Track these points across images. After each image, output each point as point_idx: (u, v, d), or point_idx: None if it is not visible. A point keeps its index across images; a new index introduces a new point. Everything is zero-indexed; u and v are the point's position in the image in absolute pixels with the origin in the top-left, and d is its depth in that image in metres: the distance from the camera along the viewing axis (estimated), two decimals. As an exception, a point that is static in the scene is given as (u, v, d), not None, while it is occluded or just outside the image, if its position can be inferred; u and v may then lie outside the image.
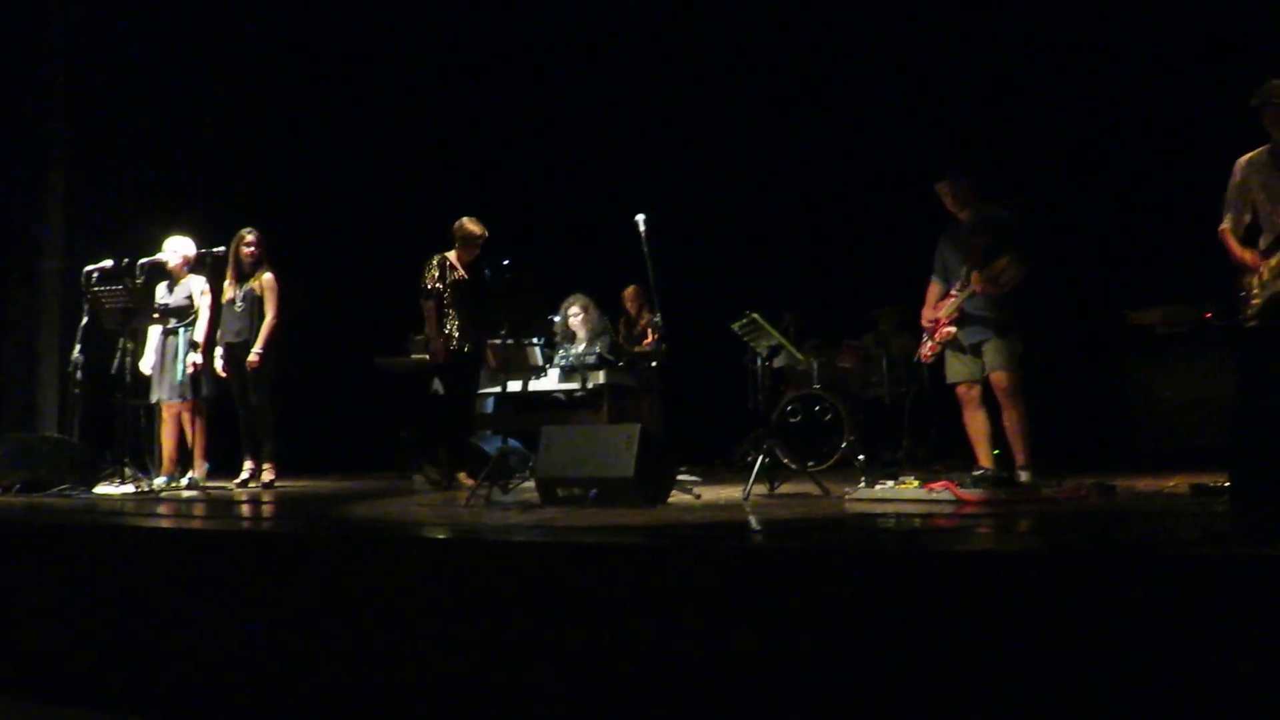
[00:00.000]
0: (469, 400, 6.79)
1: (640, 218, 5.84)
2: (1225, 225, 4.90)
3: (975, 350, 5.33)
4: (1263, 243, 4.78)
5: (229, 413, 6.97)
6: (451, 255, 6.66)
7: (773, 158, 9.12)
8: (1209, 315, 5.13)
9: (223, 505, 5.69)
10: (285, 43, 9.43)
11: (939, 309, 5.47)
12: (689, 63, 9.36)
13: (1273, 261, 4.69)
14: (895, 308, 7.96)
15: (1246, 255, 4.77)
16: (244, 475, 6.90)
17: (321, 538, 4.14)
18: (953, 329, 5.36)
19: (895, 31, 8.71)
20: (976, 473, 4.97)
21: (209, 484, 6.78)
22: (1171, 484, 5.11)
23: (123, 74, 9.08)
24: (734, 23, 9.18)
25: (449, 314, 6.56)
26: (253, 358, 6.73)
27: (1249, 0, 7.36)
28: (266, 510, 5.52)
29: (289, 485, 7.00)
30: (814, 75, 9.03)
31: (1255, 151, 4.83)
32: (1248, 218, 4.86)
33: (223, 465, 7.15)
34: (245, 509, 5.58)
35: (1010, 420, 5.25)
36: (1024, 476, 5.11)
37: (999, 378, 5.22)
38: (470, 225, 6.63)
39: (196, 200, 8.43)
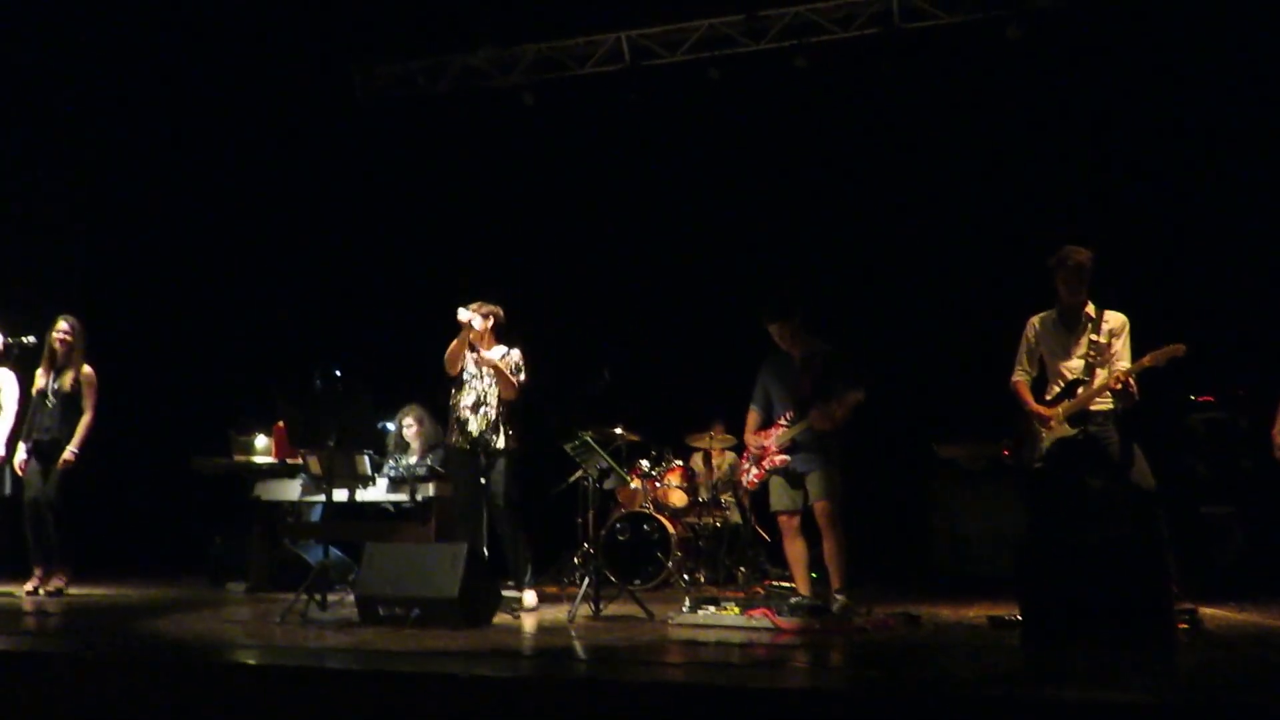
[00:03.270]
0: None
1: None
2: (1018, 377, 5.37)
3: (799, 480, 5.57)
4: (1048, 394, 5.25)
5: (18, 513, 6.50)
6: None
7: (606, 277, 9.44)
8: (1007, 452, 5.54)
9: (7, 617, 5.28)
10: (104, 122, 9.08)
11: (766, 436, 5.69)
12: (530, 192, 9.65)
13: (1058, 409, 5.14)
14: (720, 427, 8.22)
15: (1040, 410, 5.21)
16: (33, 583, 6.43)
17: (114, 660, 3.89)
18: (785, 457, 5.57)
19: (709, 164, 9.27)
20: (794, 600, 5.16)
21: (-6, 591, 6.29)
22: (971, 614, 5.43)
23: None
24: (573, 157, 9.55)
25: None
26: (68, 455, 6.39)
27: (1044, 166, 8.25)
28: (55, 623, 5.14)
29: (85, 594, 6.55)
30: (648, 207, 9.45)
31: (1045, 312, 5.34)
32: (1035, 371, 5.36)
33: (9, 570, 6.62)
34: (30, 622, 5.19)
35: (830, 547, 5.46)
36: (840, 600, 5.31)
37: (823, 507, 5.45)
38: None
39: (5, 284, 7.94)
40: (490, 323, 6.15)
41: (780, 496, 5.61)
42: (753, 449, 5.74)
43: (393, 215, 9.89)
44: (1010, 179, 8.37)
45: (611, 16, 9.09)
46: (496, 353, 6.13)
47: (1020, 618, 4.39)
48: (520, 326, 8.73)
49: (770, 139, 9.09)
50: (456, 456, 6.10)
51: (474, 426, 5.99)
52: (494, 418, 6.03)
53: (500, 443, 6.00)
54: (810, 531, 5.61)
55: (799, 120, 9.01)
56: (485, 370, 6.06)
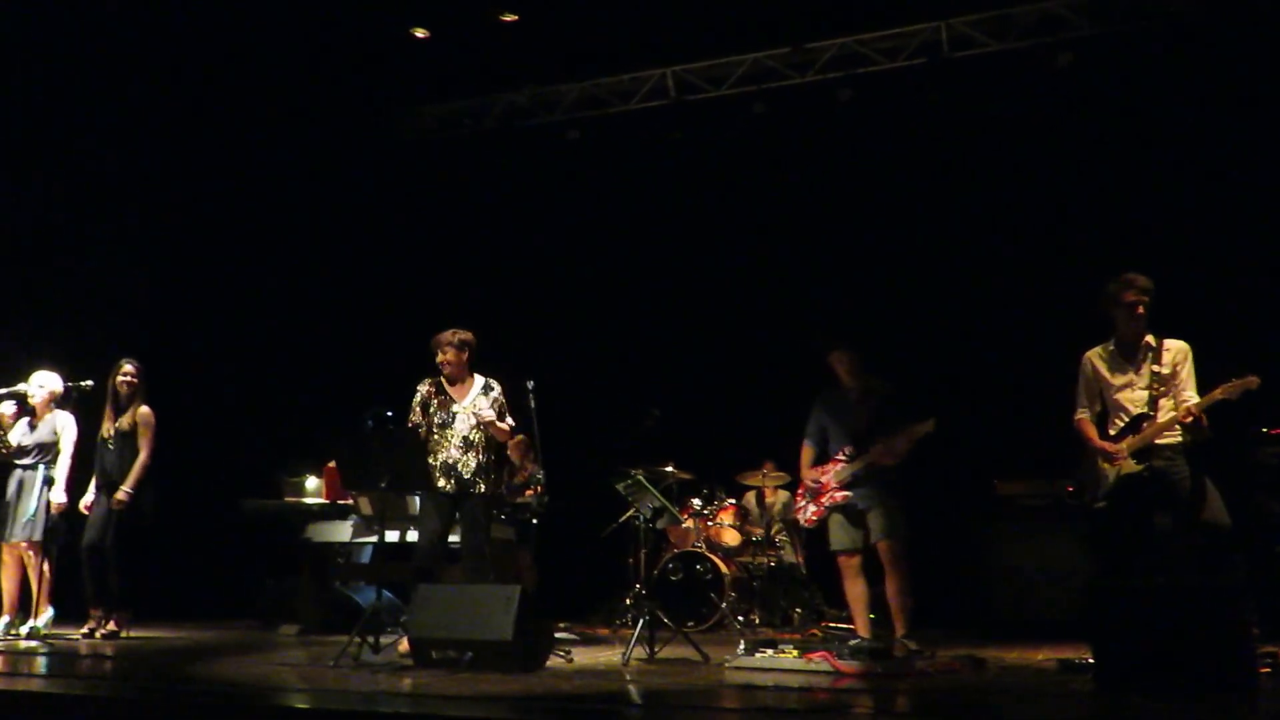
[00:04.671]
0: None
1: (530, 383, 6.02)
2: (1080, 415, 5.18)
3: (860, 517, 5.44)
4: (1111, 429, 5.08)
5: (76, 557, 6.55)
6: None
7: (655, 314, 9.43)
8: (1070, 490, 5.36)
9: (64, 660, 5.29)
10: (159, 167, 9.24)
11: (823, 472, 5.58)
12: (577, 232, 9.68)
13: (1123, 445, 4.97)
14: (772, 464, 8.10)
15: (1104, 445, 5.03)
16: (90, 625, 6.46)
17: (168, 704, 3.88)
18: (846, 493, 5.45)
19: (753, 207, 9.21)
20: (854, 643, 5.02)
21: (52, 633, 6.31)
22: (1039, 658, 5.25)
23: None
24: (619, 195, 9.59)
25: None
26: (121, 495, 6.42)
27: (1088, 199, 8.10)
28: (110, 667, 5.14)
29: (140, 637, 6.57)
30: (694, 244, 9.43)
31: (1101, 346, 5.17)
32: (1099, 407, 5.16)
33: (69, 614, 6.67)
34: (87, 665, 5.21)
35: (894, 587, 5.31)
36: (904, 646, 5.16)
37: (887, 545, 5.31)
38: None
39: (57, 330, 8.06)
40: (465, 354, 5.82)
41: (840, 535, 5.47)
42: (809, 485, 5.62)
43: (442, 256, 9.96)
44: (1064, 209, 8.24)
45: (656, 52, 9.12)
46: (483, 401, 5.76)
47: (1092, 661, 4.23)
48: (568, 365, 8.76)
49: (818, 172, 9.05)
50: (436, 501, 5.68)
51: (464, 470, 5.68)
52: (484, 461, 5.77)
53: (484, 487, 5.74)
54: (868, 571, 5.47)
55: (847, 153, 8.96)
56: (467, 411, 5.75)
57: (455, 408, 5.75)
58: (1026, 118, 8.40)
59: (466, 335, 5.84)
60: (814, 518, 5.58)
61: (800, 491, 5.76)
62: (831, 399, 5.67)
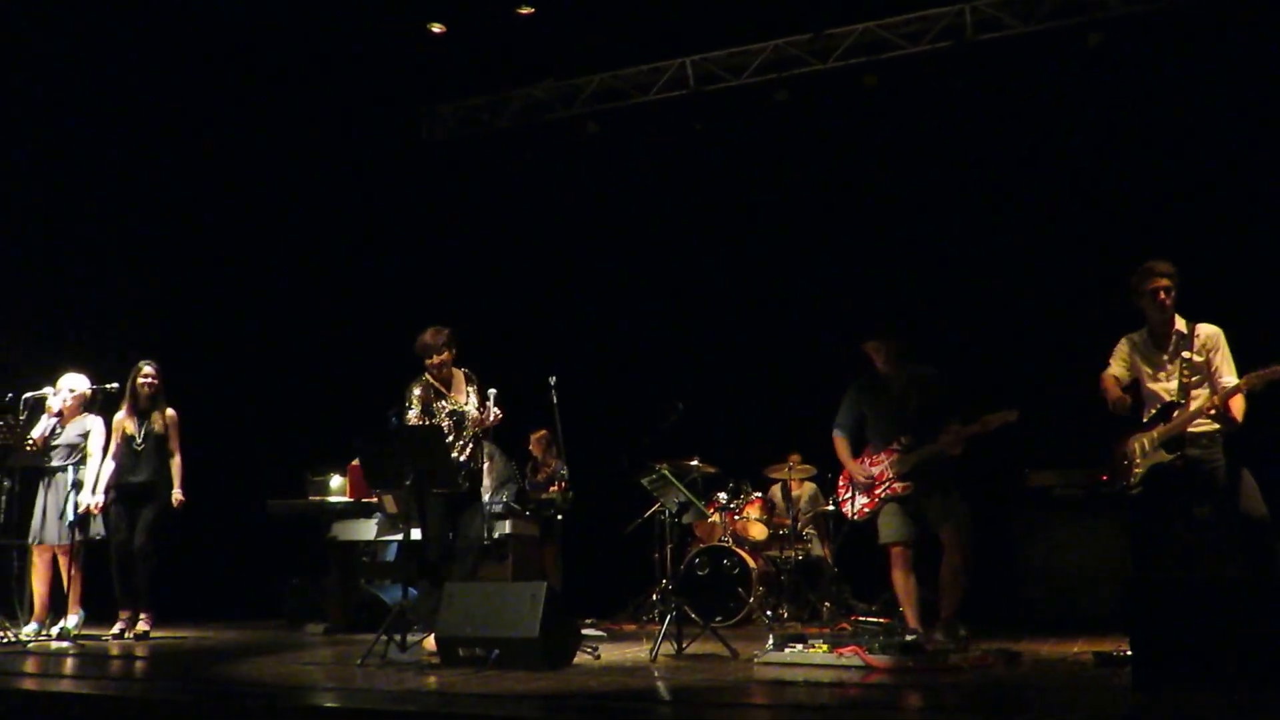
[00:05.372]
0: None
1: (552, 379, 5.99)
2: (1112, 371, 5.05)
3: (916, 508, 5.34)
4: (1144, 418, 4.99)
5: (104, 558, 6.57)
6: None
7: (677, 307, 9.36)
8: (1105, 478, 5.26)
9: (95, 661, 5.30)
10: (178, 168, 9.24)
11: (875, 463, 5.48)
12: (599, 227, 9.62)
13: (1154, 433, 4.87)
14: (798, 457, 8.00)
15: (1121, 396, 4.92)
16: (119, 626, 6.48)
17: (197, 704, 3.88)
18: (906, 484, 5.36)
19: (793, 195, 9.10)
20: (910, 637, 4.91)
21: (82, 634, 6.34)
22: (1075, 650, 5.15)
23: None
24: (640, 189, 9.50)
25: None
26: (179, 495, 6.49)
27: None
28: (141, 668, 5.15)
29: (168, 636, 6.59)
30: (717, 237, 9.34)
31: (1136, 332, 5.09)
32: (1129, 378, 5.05)
33: (98, 614, 6.69)
34: (118, 666, 5.22)
35: (952, 567, 5.23)
36: (947, 631, 5.07)
37: (953, 528, 5.24)
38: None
39: (83, 331, 8.09)
40: (452, 352, 5.70)
41: (895, 527, 5.38)
42: (860, 478, 5.51)
43: (464, 252, 9.93)
44: (1095, 194, 8.09)
45: (675, 42, 9.04)
46: (474, 398, 5.69)
47: (1130, 655, 4.13)
48: (591, 360, 8.70)
49: (842, 161, 8.94)
50: (444, 500, 5.63)
51: (474, 467, 5.65)
52: (480, 459, 5.73)
53: (484, 485, 5.78)
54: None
55: (871, 141, 8.84)
56: (465, 408, 5.66)
57: (458, 407, 5.68)
58: (1056, 101, 8.24)
59: (449, 330, 5.70)
60: (866, 510, 5.49)
61: (843, 484, 5.67)
62: (871, 387, 5.58)
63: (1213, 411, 4.70)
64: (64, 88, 8.29)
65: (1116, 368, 5.06)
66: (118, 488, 6.54)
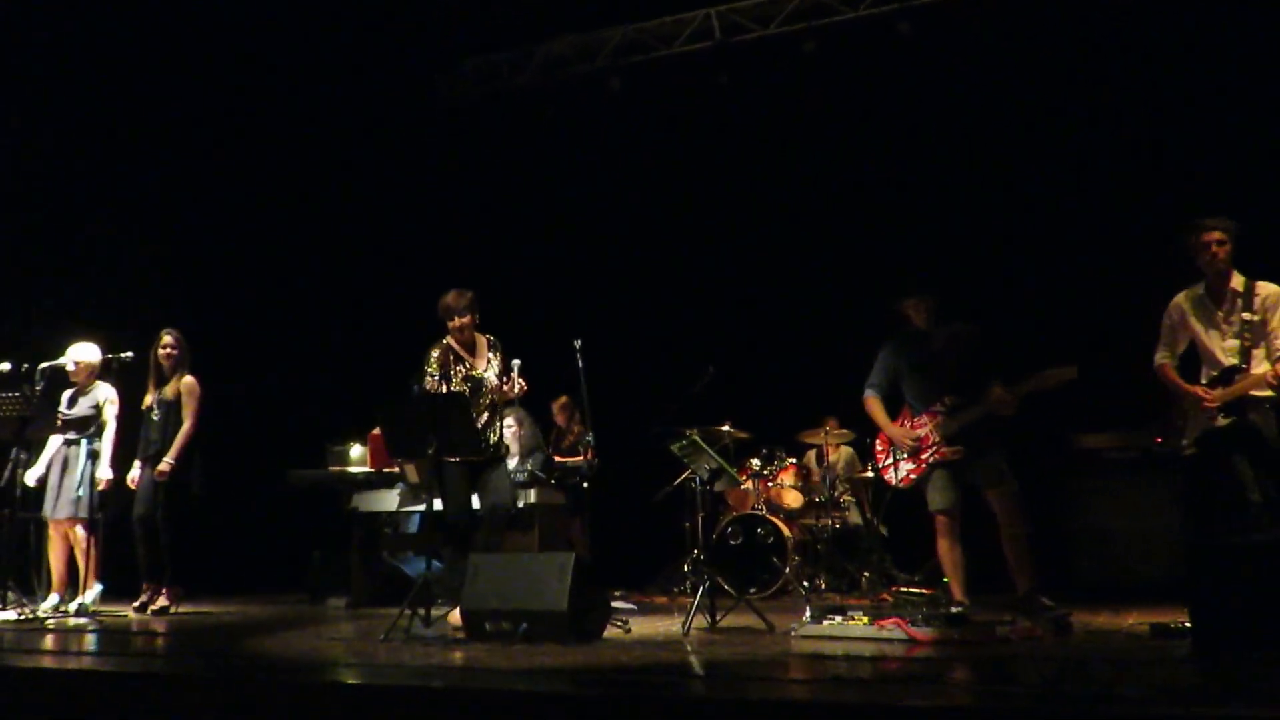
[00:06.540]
0: None
1: (577, 343, 5.80)
2: (1163, 359, 4.91)
3: (963, 474, 5.08)
4: (1204, 377, 4.80)
5: (123, 531, 6.47)
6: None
7: (707, 268, 9.11)
8: (1159, 440, 5.03)
9: (114, 638, 5.21)
10: (197, 138, 9.10)
11: (919, 426, 5.21)
12: (623, 186, 9.36)
13: (1216, 393, 4.69)
14: (834, 421, 7.76)
15: (1196, 390, 4.76)
16: (141, 600, 6.41)
17: (222, 680, 3.77)
18: (956, 448, 5.08)
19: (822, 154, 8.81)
20: (956, 609, 4.69)
21: (101, 609, 6.25)
22: (1129, 622, 4.92)
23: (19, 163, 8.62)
24: (665, 146, 9.23)
25: None
26: (163, 466, 6.31)
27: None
28: (162, 644, 5.05)
29: (189, 612, 6.50)
30: (746, 195, 9.06)
31: (1191, 289, 4.89)
32: (1182, 349, 4.90)
33: (117, 588, 6.60)
34: (139, 642, 5.13)
35: (1014, 535, 4.97)
36: (1028, 608, 4.84)
37: (1003, 491, 4.97)
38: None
39: (101, 301, 7.98)
40: (475, 315, 5.56)
41: (944, 493, 5.09)
42: (907, 442, 5.21)
43: (487, 215, 9.73)
44: (1143, 146, 7.72)
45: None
46: (496, 365, 5.55)
47: (1188, 625, 3.92)
48: (617, 323, 8.48)
49: (875, 113, 8.62)
50: (465, 468, 5.50)
51: (492, 435, 5.51)
52: (499, 428, 5.59)
53: (506, 451, 5.66)
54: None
55: (905, 92, 8.51)
56: (484, 375, 5.52)
57: (477, 373, 5.51)
58: (1104, 44, 7.84)
59: (472, 293, 5.55)
60: (912, 476, 5.21)
61: (881, 448, 5.42)
62: (908, 346, 5.29)
63: (1274, 382, 4.56)
64: (85, 59, 8.19)
65: (1164, 354, 4.91)
66: (142, 459, 6.47)
